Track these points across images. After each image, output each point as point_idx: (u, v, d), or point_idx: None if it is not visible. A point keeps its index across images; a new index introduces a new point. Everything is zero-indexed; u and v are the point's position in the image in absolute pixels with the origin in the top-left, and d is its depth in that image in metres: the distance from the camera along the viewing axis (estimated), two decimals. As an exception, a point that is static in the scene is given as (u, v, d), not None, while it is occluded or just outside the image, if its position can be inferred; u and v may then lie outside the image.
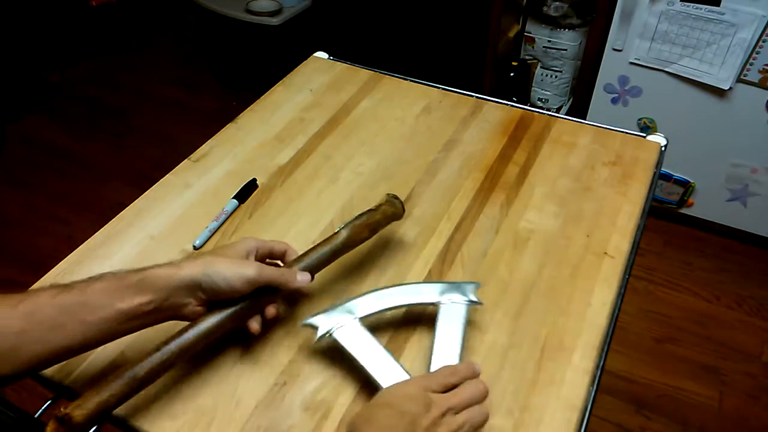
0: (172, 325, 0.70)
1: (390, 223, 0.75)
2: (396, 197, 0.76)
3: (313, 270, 0.68)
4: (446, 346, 0.63)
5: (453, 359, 0.62)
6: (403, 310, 0.70)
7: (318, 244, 0.69)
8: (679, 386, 1.49)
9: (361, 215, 0.72)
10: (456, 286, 0.67)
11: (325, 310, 0.65)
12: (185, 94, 2.56)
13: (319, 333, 0.63)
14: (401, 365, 0.61)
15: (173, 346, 0.59)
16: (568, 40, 1.92)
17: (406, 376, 0.60)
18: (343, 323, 0.64)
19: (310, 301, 0.71)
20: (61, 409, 0.53)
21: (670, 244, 1.84)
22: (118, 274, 0.57)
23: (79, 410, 0.53)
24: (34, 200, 2.09)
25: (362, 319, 0.65)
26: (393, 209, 0.74)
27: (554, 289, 0.73)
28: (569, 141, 0.94)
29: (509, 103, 1.02)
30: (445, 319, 0.65)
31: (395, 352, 0.65)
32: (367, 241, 0.72)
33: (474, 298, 0.67)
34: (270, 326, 0.67)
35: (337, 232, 0.70)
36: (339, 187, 0.87)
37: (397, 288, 0.68)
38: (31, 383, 0.66)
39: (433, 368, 0.61)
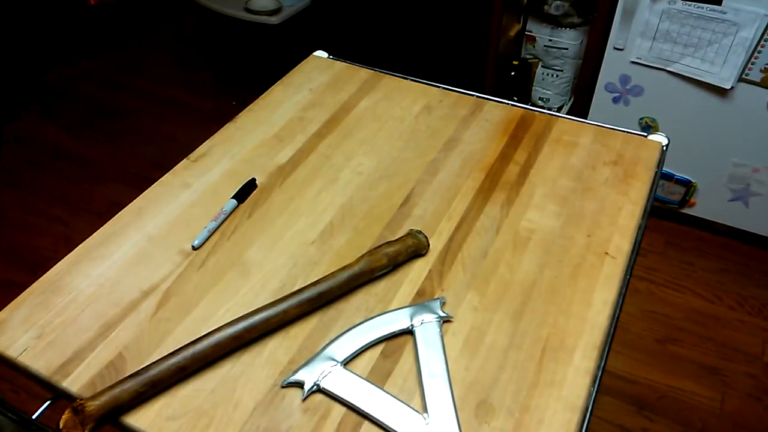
0: (172, 329, 0.70)
1: (412, 258, 0.75)
2: (420, 232, 0.76)
3: (329, 296, 0.69)
4: (432, 366, 0.64)
5: (442, 376, 0.63)
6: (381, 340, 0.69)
7: (336, 271, 0.71)
8: (680, 387, 1.49)
9: (382, 244, 0.74)
10: (424, 306, 0.69)
11: (305, 363, 0.64)
12: (184, 94, 2.55)
13: (306, 388, 0.62)
14: (400, 401, 0.61)
15: (189, 353, 0.62)
16: (569, 39, 1.92)
17: (410, 412, 0.60)
18: (327, 371, 0.63)
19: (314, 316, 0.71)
20: (78, 400, 0.57)
21: (671, 244, 1.84)
22: None
23: (92, 402, 0.57)
24: (33, 200, 2.09)
25: (345, 363, 0.64)
26: (416, 242, 0.75)
27: (555, 289, 0.72)
28: (570, 140, 0.94)
29: (510, 102, 1.02)
30: (423, 341, 0.66)
31: (383, 381, 0.64)
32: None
33: (443, 314, 0.69)
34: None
35: (356, 259, 0.71)
36: (338, 187, 0.87)
37: (369, 322, 0.68)
38: (30, 384, 0.65)
39: (427, 390, 0.62)
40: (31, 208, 2.06)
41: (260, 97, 1.04)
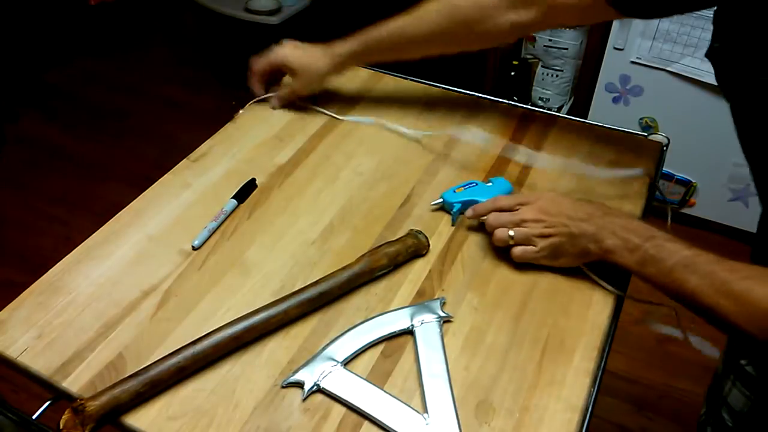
0: (172, 329, 0.70)
1: (412, 258, 0.75)
2: (420, 232, 0.76)
3: (329, 296, 0.69)
4: (432, 366, 0.64)
5: (442, 377, 0.63)
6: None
7: (336, 271, 0.71)
8: (680, 387, 1.49)
9: (382, 244, 0.74)
10: (424, 306, 0.69)
11: (305, 363, 0.64)
12: (184, 94, 2.55)
13: (307, 388, 0.62)
14: (400, 401, 0.61)
15: (189, 353, 0.62)
16: (569, 39, 1.92)
17: (410, 412, 0.60)
18: (327, 371, 0.63)
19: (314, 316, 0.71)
20: (78, 400, 0.57)
21: (671, 243, 1.84)
22: None
23: (92, 402, 0.57)
24: (33, 200, 2.09)
25: (345, 364, 0.64)
26: (416, 242, 0.75)
27: (555, 289, 0.72)
28: (570, 140, 0.94)
29: (510, 102, 1.02)
30: (423, 341, 0.66)
31: (383, 381, 0.64)
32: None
33: (443, 314, 0.68)
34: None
35: (356, 259, 0.71)
36: (338, 187, 0.87)
37: (369, 322, 0.68)
38: (30, 385, 0.65)
39: (427, 390, 0.61)
40: (31, 208, 2.06)
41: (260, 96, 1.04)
